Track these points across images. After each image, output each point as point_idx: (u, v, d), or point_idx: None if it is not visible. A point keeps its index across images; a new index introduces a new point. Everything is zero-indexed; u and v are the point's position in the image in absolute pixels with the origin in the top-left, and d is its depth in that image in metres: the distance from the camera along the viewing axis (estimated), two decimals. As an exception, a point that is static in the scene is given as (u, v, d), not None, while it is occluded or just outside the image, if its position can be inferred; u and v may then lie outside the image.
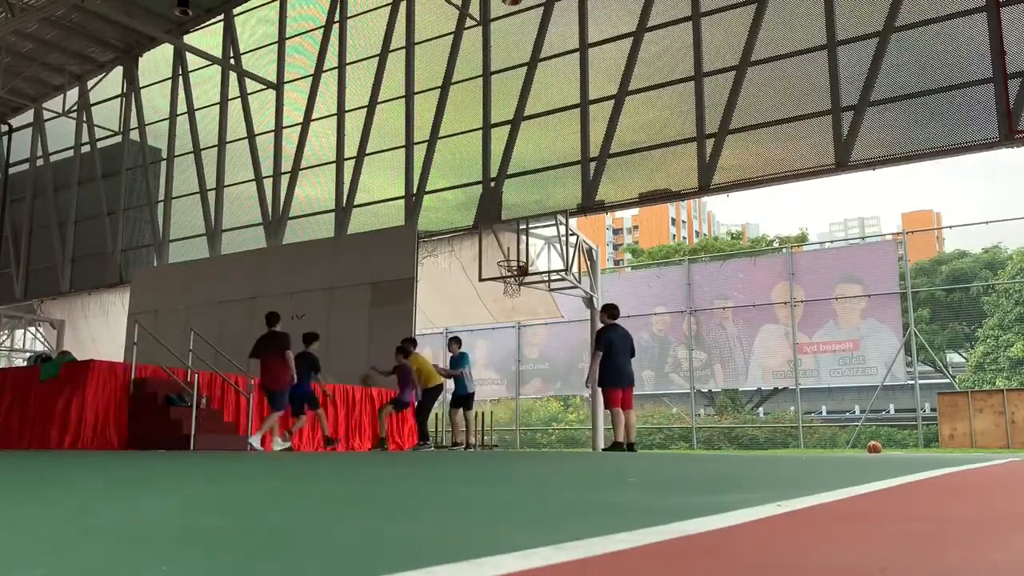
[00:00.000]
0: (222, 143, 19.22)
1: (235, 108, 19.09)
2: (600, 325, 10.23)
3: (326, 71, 17.75)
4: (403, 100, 16.51)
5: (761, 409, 30.92)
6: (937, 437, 16.02)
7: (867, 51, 11.96)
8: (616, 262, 67.68)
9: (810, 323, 17.97)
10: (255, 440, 10.10)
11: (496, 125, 15.28)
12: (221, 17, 19.40)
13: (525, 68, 15.01)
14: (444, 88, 15.89)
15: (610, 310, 10.02)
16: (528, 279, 13.85)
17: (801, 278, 18.19)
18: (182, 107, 20.13)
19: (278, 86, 18.36)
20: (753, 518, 1.87)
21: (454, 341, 12.29)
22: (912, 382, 18.12)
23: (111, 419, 10.01)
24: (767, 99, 12.77)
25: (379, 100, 16.82)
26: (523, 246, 13.67)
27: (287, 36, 18.65)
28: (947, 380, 21.49)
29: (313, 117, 17.77)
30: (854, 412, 29.74)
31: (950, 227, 47.69)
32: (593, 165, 14.09)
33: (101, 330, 21.25)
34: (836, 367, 17.74)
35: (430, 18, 16.42)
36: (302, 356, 10.72)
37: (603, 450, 11.72)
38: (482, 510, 2.24)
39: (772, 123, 12.69)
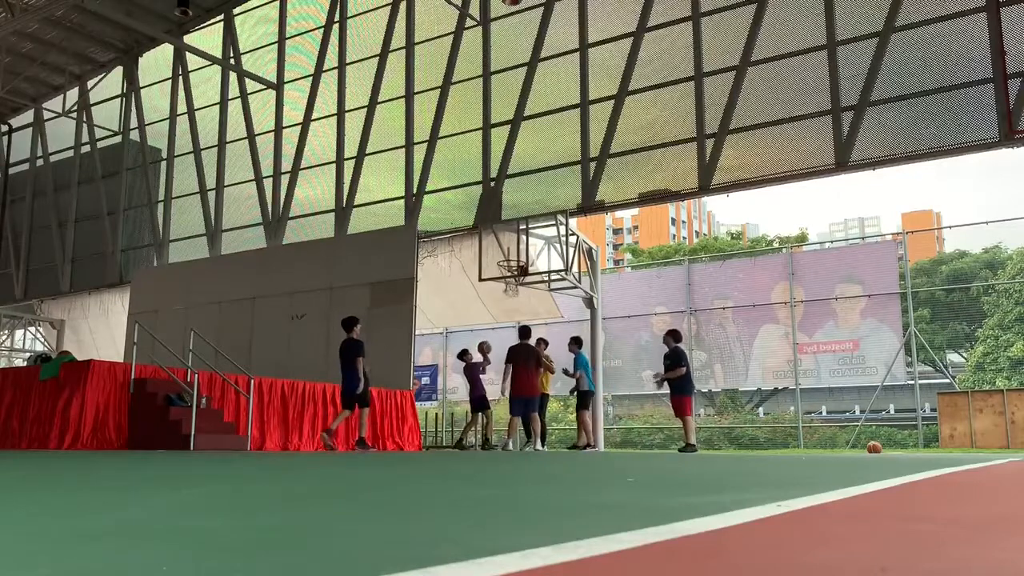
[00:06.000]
0: (222, 143, 19.21)
1: (235, 108, 19.08)
2: (596, 329, 10.93)
3: (326, 71, 17.73)
4: (403, 100, 16.51)
5: (761, 409, 30.92)
6: (937, 437, 16.01)
7: (867, 51, 11.96)
8: (616, 262, 67.70)
9: (810, 323, 17.95)
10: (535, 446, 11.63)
11: (496, 125, 15.27)
12: (221, 17, 19.39)
13: (525, 68, 14.99)
14: (444, 88, 15.88)
15: (675, 334, 11.46)
16: (528, 279, 13.84)
17: (801, 278, 18.17)
18: (182, 107, 20.12)
19: (278, 86, 18.34)
20: (753, 518, 1.87)
21: (574, 341, 12.61)
22: (912, 382, 18.10)
23: (111, 419, 10.01)
24: (767, 99, 12.75)
25: (379, 100, 16.80)
26: (523, 246, 13.66)
27: (287, 36, 18.63)
28: (947, 380, 21.51)
29: (313, 117, 17.76)
30: (854, 412, 29.74)
31: (950, 227, 47.69)
32: (593, 165, 14.09)
33: (101, 330, 21.25)
34: (836, 367, 17.73)
35: (430, 18, 16.40)
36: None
37: (679, 451, 11.47)
38: (482, 510, 2.24)
39: (772, 123, 12.67)
